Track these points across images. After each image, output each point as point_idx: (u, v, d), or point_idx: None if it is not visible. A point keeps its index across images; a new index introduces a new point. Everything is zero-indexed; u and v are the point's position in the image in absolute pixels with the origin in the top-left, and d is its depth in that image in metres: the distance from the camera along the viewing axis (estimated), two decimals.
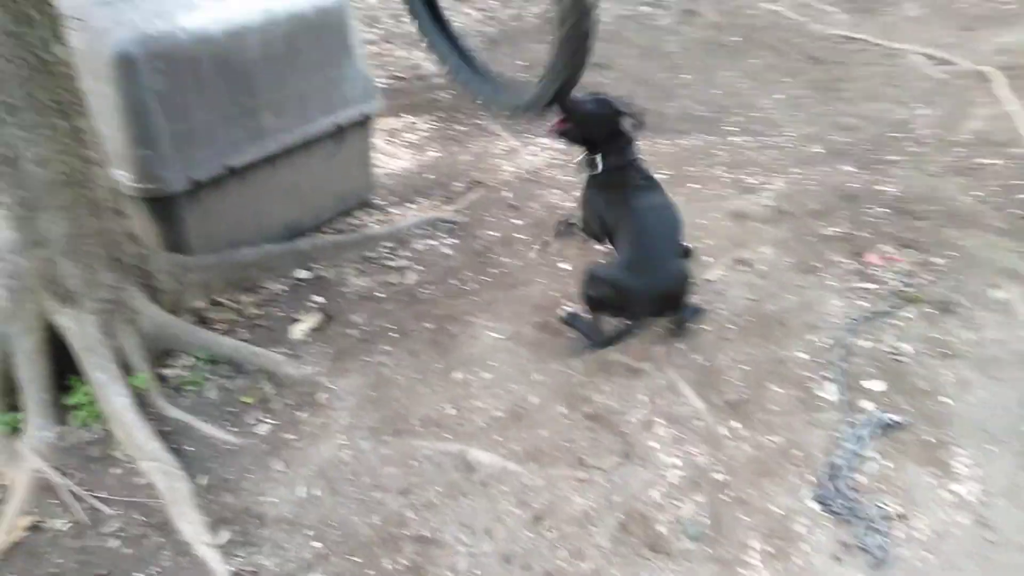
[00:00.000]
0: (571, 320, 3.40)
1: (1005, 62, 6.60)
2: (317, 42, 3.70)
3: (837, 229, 4.19)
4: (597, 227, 3.44)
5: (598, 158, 3.26)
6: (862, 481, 2.74)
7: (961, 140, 5.44)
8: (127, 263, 3.06)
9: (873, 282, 3.76)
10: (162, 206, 3.37)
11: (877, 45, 7.37)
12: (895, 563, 2.45)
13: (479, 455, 2.82)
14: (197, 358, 3.17)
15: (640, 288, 3.14)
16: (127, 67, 3.04)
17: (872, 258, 3.94)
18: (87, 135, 2.77)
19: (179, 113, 3.24)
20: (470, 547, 2.49)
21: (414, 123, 5.69)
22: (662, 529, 2.57)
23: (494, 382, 3.16)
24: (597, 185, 3.35)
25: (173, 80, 3.16)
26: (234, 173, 3.53)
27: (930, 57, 6.95)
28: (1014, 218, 4.43)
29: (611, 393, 3.11)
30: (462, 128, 5.67)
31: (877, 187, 4.70)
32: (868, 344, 3.37)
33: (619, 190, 3.25)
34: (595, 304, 3.27)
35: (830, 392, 3.12)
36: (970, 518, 2.60)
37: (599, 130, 3.21)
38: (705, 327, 3.44)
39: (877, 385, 3.16)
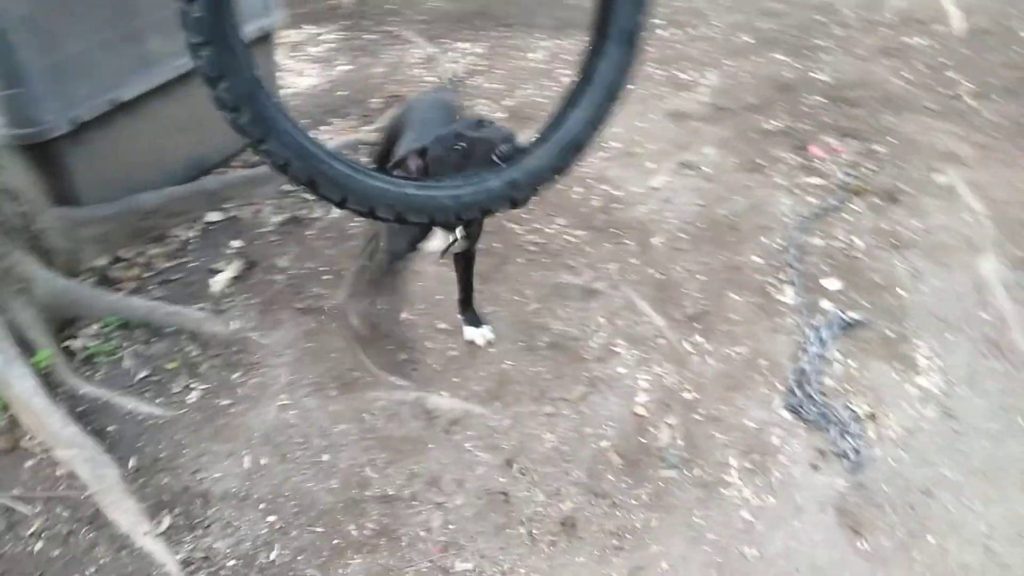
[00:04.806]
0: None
1: None
2: None
3: (778, 123, 4.06)
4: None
5: None
6: (829, 384, 2.69)
7: (885, 20, 5.35)
8: (9, 224, 2.65)
9: (819, 176, 3.67)
10: (43, 153, 2.92)
11: None
12: (870, 464, 2.42)
13: (438, 400, 2.63)
14: (106, 324, 2.82)
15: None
16: None
17: (816, 151, 3.83)
18: None
19: (50, 42, 2.76)
20: (441, 502, 2.32)
21: (317, 34, 5.19)
22: (639, 458, 2.46)
23: (444, 317, 2.94)
24: None
25: (38, 2, 2.69)
26: (122, 108, 3.08)
27: None
28: (945, 99, 4.41)
29: (568, 319, 2.94)
30: (371, 36, 5.22)
31: (811, 75, 4.57)
32: (821, 242, 3.29)
33: None
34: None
35: (789, 295, 3.04)
36: (936, 410, 2.60)
37: None
38: (657, 239, 3.28)
39: (834, 283, 3.10)
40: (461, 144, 2.00)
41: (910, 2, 5.53)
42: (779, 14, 5.46)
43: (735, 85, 4.45)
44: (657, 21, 5.40)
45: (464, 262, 2.71)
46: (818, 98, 4.30)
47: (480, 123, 2.07)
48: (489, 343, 2.83)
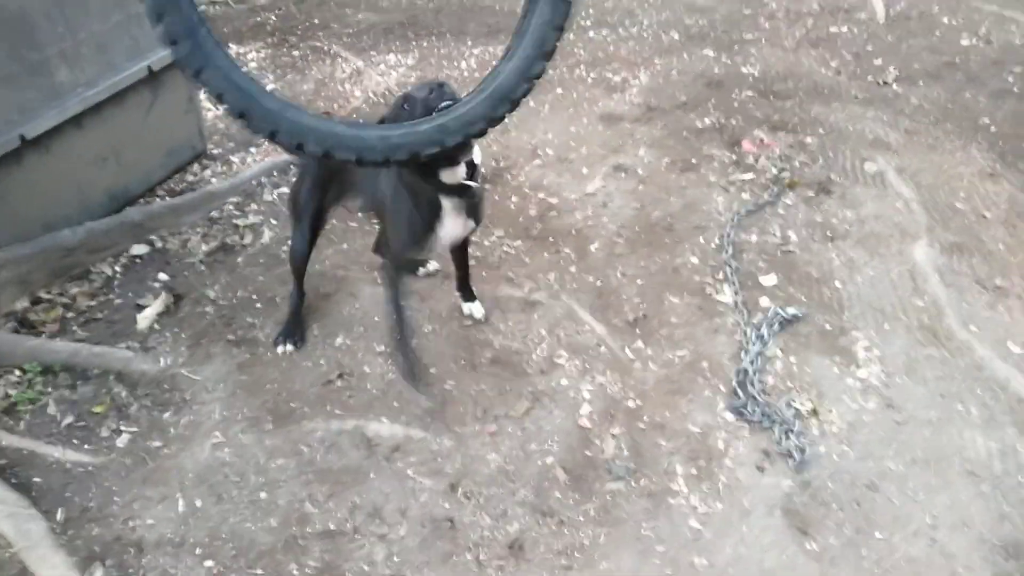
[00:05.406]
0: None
1: None
2: None
3: (709, 120, 4.08)
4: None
5: None
6: (771, 382, 2.70)
7: (811, 10, 5.42)
8: None
9: (752, 171, 3.69)
10: None
11: None
12: (815, 461, 2.42)
13: (378, 427, 2.56)
14: (27, 371, 2.70)
15: None
16: None
17: (748, 146, 3.86)
18: None
19: None
20: (384, 534, 2.26)
21: (242, 53, 5.05)
22: (585, 472, 2.43)
23: (383, 340, 2.87)
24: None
25: None
26: (33, 143, 2.96)
27: None
28: (872, 86, 4.48)
29: (510, 332, 2.90)
30: (297, 52, 5.10)
31: (740, 69, 4.61)
32: (756, 238, 3.31)
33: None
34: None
35: (727, 294, 3.04)
36: (877, 402, 2.62)
37: None
38: (595, 245, 3.26)
39: (770, 279, 3.11)
40: (407, 105, 2.17)
41: None
42: (706, 9, 5.50)
43: (665, 84, 4.47)
44: (586, 23, 5.40)
45: (463, 243, 2.78)
46: (748, 92, 4.33)
47: (440, 86, 2.18)
48: (482, 318, 2.95)
